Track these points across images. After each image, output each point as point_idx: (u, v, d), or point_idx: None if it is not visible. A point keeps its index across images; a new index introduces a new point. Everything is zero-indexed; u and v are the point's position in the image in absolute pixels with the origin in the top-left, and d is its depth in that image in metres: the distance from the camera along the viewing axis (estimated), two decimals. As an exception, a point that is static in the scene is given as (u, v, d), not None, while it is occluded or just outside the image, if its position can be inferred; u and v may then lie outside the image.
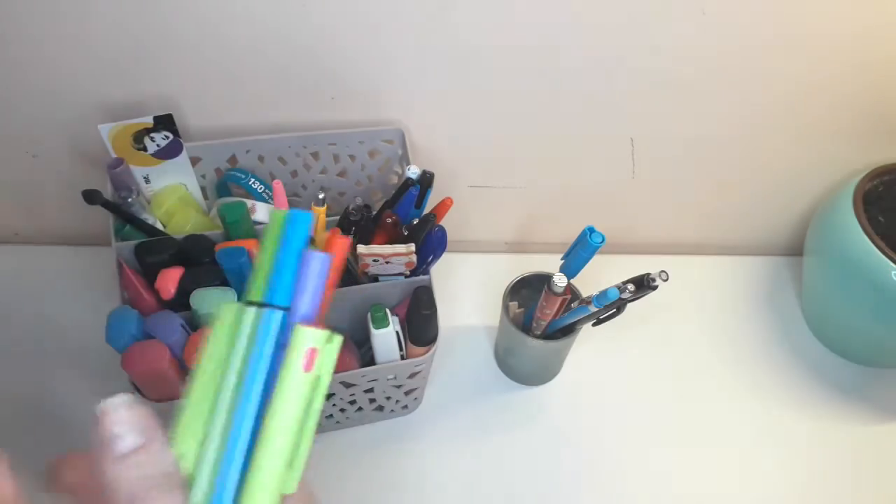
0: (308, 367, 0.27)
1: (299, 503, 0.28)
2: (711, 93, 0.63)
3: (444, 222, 0.56)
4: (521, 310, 0.67)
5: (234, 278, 0.55)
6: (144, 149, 0.58)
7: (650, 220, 0.78)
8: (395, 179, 0.68)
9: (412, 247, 0.54)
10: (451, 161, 0.69)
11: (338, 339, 0.28)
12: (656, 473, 0.65)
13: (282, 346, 0.28)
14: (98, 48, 0.57)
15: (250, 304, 0.29)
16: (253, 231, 0.58)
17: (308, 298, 0.28)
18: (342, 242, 0.33)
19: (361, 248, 0.54)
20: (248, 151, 0.64)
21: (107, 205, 0.55)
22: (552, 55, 0.59)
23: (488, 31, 0.57)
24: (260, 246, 0.29)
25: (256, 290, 0.29)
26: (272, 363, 0.28)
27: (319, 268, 0.28)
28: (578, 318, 0.58)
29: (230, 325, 0.28)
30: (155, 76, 0.60)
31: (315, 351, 0.27)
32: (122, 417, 0.26)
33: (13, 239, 0.75)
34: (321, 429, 0.64)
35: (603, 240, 0.54)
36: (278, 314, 0.28)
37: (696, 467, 0.65)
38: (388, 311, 0.58)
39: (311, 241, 0.31)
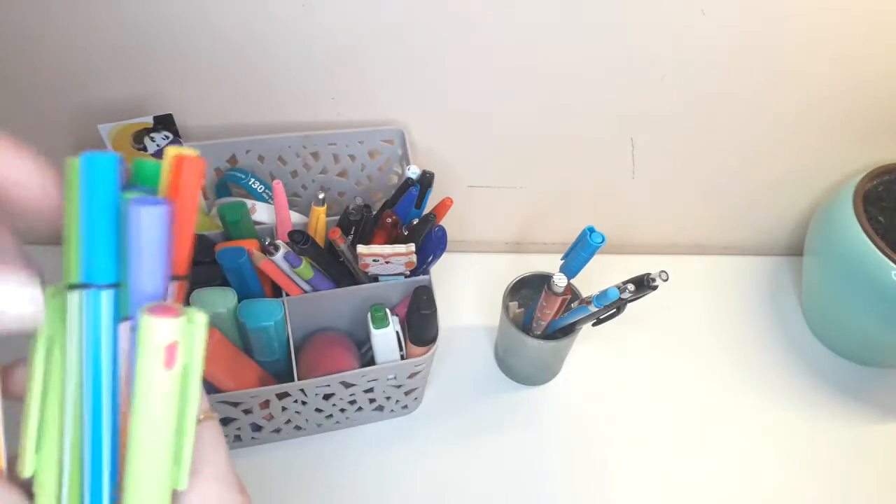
0: (170, 364, 0.23)
1: (207, 489, 0.25)
2: (711, 93, 0.63)
3: (444, 222, 0.56)
4: (521, 310, 0.67)
5: (234, 278, 0.55)
6: (144, 149, 0.58)
7: (650, 220, 0.78)
8: (395, 179, 0.68)
9: (412, 247, 0.54)
10: (451, 161, 0.69)
11: (200, 318, 0.23)
12: (656, 473, 0.65)
13: (129, 324, 0.24)
14: (98, 48, 0.57)
15: (71, 287, 0.23)
16: (253, 231, 0.58)
17: (149, 267, 0.23)
18: (190, 166, 0.25)
19: (361, 248, 0.54)
20: (248, 151, 0.64)
21: (107, 205, 0.55)
22: (552, 55, 0.59)
23: (488, 30, 0.57)
24: (64, 210, 0.23)
25: (72, 269, 0.23)
26: (114, 350, 0.24)
27: (153, 225, 0.23)
28: (578, 318, 0.58)
29: (53, 319, 0.24)
30: (155, 76, 0.60)
31: (174, 345, 0.22)
32: None
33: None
34: (321, 429, 0.64)
35: (603, 240, 0.54)
36: (106, 294, 0.23)
37: (696, 467, 0.65)
38: (388, 311, 0.58)
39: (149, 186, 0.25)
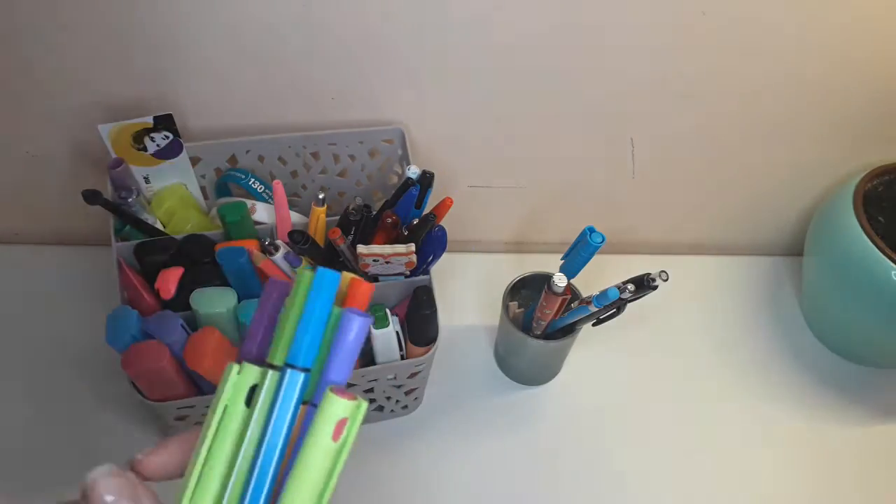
0: (336, 437, 0.27)
1: None
2: (711, 93, 0.63)
3: (444, 222, 0.56)
4: (521, 310, 0.67)
5: (234, 278, 0.55)
6: (144, 149, 0.58)
7: (650, 220, 0.78)
8: (395, 179, 0.68)
9: (412, 247, 0.54)
10: (451, 161, 0.69)
11: (364, 406, 0.28)
12: (656, 473, 0.65)
13: (298, 405, 0.28)
14: (98, 48, 0.57)
15: (271, 366, 0.28)
16: (253, 231, 0.58)
17: (343, 363, 0.28)
18: (364, 290, 0.31)
19: (361, 248, 0.54)
20: (248, 151, 0.64)
21: (107, 205, 0.55)
22: (552, 55, 0.59)
23: (488, 31, 0.57)
24: (286, 305, 0.29)
25: (280, 352, 0.28)
26: (290, 424, 0.28)
27: (357, 332, 0.28)
28: (578, 318, 0.58)
29: (232, 389, 0.28)
30: (155, 76, 0.60)
31: (345, 421, 0.27)
32: (112, 485, 0.26)
33: (13, 239, 0.75)
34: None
35: (603, 240, 0.54)
36: (300, 376, 0.28)
37: (695, 467, 0.65)
38: (388, 311, 0.58)
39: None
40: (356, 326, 0.28)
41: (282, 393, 0.28)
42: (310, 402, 0.28)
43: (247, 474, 0.27)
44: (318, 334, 0.28)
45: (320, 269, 0.28)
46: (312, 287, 0.28)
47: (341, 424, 0.27)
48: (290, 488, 0.27)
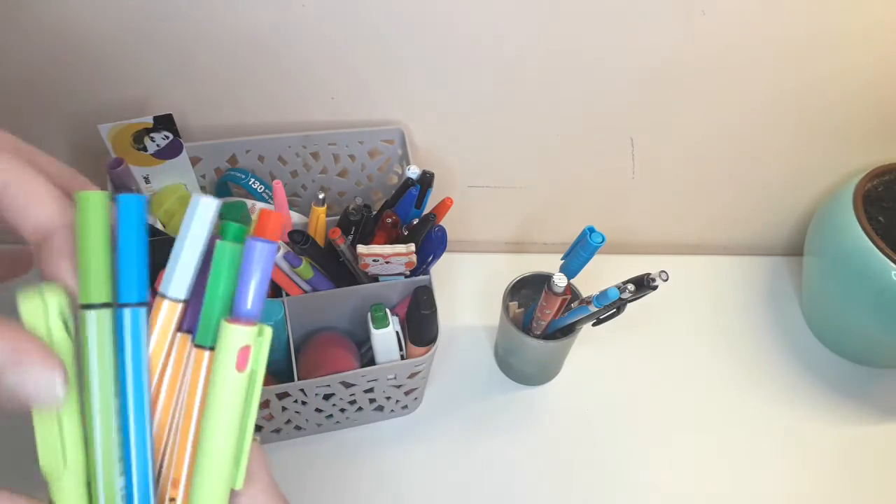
0: (241, 367, 0.26)
1: (257, 495, 0.28)
2: (711, 93, 0.63)
3: (444, 222, 0.56)
4: (521, 310, 0.67)
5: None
6: (144, 149, 0.58)
7: (650, 220, 0.78)
8: (395, 179, 0.68)
9: (412, 247, 0.54)
10: (451, 161, 0.69)
11: (268, 332, 0.27)
12: (656, 473, 0.65)
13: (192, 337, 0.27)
14: (98, 48, 0.57)
15: (87, 307, 0.26)
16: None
17: (254, 294, 0.27)
18: (274, 219, 0.29)
19: (361, 248, 0.54)
20: (248, 151, 0.64)
21: (107, 205, 0.55)
22: (552, 55, 0.59)
23: (488, 31, 0.57)
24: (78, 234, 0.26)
25: (94, 290, 0.26)
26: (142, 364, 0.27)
27: (265, 259, 0.26)
28: (578, 318, 0.58)
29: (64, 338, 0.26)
30: (155, 76, 0.60)
31: (248, 349, 0.26)
32: None
33: (13, 239, 0.75)
34: (321, 429, 0.64)
35: (603, 240, 0.54)
36: (143, 311, 0.27)
37: (695, 467, 0.65)
38: (388, 311, 0.58)
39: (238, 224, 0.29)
40: (262, 252, 0.26)
41: (131, 334, 0.26)
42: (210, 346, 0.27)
43: (117, 436, 0.26)
44: (143, 265, 0.27)
45: (120, 195, 0.26)
46: (120, 215, 0.26)
47: (244, 352, 0.26)
48: (206, 428, 0.26)
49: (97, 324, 0.26)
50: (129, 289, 0.27)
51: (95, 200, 0.26)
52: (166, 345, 0.27)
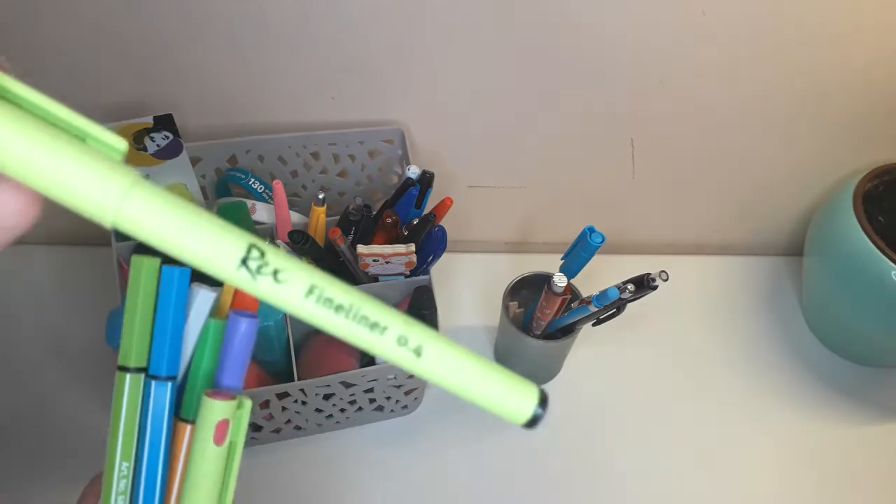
0: (220, 441, 0.27)
1: None
2: (711, 93, 0.63)
3: (444, 222, 0.56)
4: (521, 310, 0.67)
5: (234, 278, 0.55)
6: (144, 149, 0.58)
7: (650, 220, 0.78)
8: (395, 179, 0.68)
9: (412, 247, 0.54)
10: (451, 161, 0.69)
11: (247, 405, 0.28)
12: (656, 473, 0.65)
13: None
14: (98, 48, 0.57)
15: (125, 369, 0.28)
16: (253, 231, 0.58)
17: (235, 368, 0.28)
18: (250, 300, 0.30)
19: (361, 248, 0.54)
20: (248, 151, 0.64)
21: (107, 205, 0.55)
22: (552, 55, 0.59)
23: (489, 31, 0.57)
24: (127, 304, 0.28)
25: (137, 355, 0.28)
26: (167, 436, 0.28)
27: (244, 333, 0.27)
28: (578, 318, 0.58)
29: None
30: (155, 76, 0.60)
31: (226, 423, 0.27)
32: None
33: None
34: (321, 429, 0.64)
35: (603, 240, 0.54)
36: (166, 385, 0.28)
37: (695, 467, 0.65)
38: (388, 311, 0.58)
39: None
40: (245, 326, 0.27)
41: (151, 404, 0.28)
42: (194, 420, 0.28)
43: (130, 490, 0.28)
44: (178, 340, 0.28)
45: (166, 268, 0.27)
46: (161, 287, 0.28)
47: (223, 426, 0.27)
48: (185, 498, 0.27)
49: (130, 385, 0.28)
50: (159, 362, 0.28)
51: (149, 268, 0.27)
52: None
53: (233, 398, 0.27)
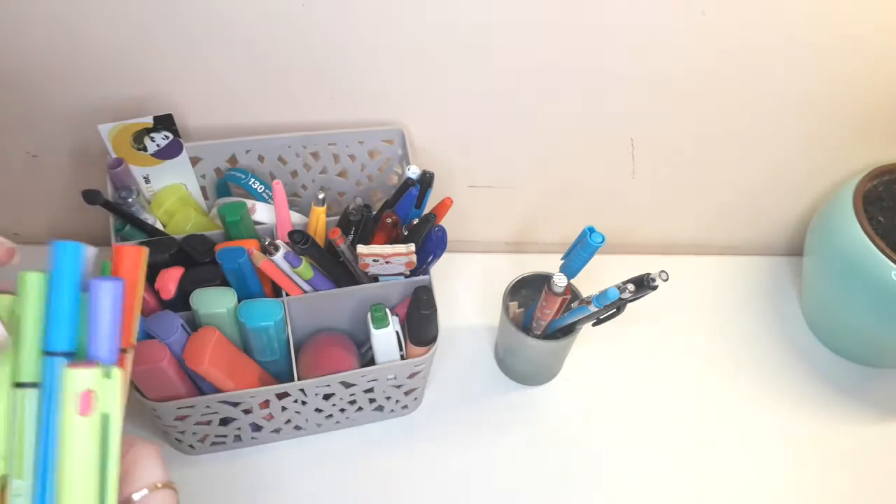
0: (85, 411, 0.26)
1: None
2: (711, 93, 0.63)
3: (444, 222, 0.56)
4: (521, 310, 0.67)
5: (233, 278, 0.55)
6: (144, 149, 0.58)
7: (650, 220, 0.78)
8: (395, 179, 0.68)
9: (412, 247, 0.54)
10: (451, 161, 0.69)
11: (116, 373, 0.27)
12: (656, 473, 0.65)
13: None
14: (98, 48, 0.57)
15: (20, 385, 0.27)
16: (253, 231, 0.58)
17: (105, 337, 0.27)
18: (130, 255, 0.29)
19: (361, 248, 0.54)
20: (248, 151, 0.64)
21: (107, 205, 0.55)
22: (552, 55, 0.59)
23: (488, 31, 0.57)
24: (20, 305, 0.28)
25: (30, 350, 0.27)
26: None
27: (109, 297, 0.27)
28: (578, 318, 0.58)
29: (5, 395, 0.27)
30: (155, 76, 0.60)
31: (91, 392, 0.26)
32: None
33: (13, 239, 0.75)
34: (321, 429, 0.64)
35: (603, 240, 0.54)
36: (62, 361, 0.27)
37: (695, 467, 0.65)
38: (388, 311, 0.58)
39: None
40: (108, 291, 0.27)
41: (48, 383, 0.27)
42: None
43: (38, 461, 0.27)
44: (73, 312, 0.27)
45: (57, 243, 0.27)
46: (53, 263, 0.27)
47: (87, 396, 0.26)
48: (61, 472, 0.26)
49: (36, 402, 0.27)
50: (63, 336, 0.27)
51: (34, 282, 0.28)
52: None
53: (94, 366, 0.26)
